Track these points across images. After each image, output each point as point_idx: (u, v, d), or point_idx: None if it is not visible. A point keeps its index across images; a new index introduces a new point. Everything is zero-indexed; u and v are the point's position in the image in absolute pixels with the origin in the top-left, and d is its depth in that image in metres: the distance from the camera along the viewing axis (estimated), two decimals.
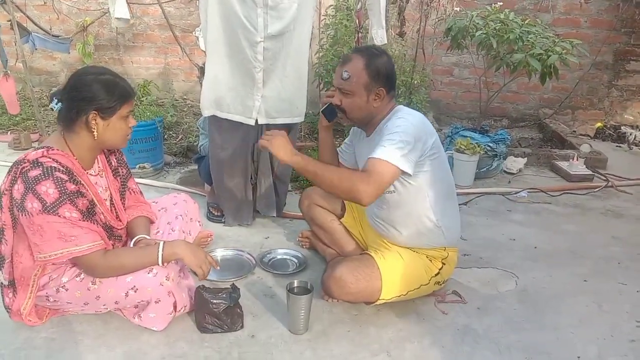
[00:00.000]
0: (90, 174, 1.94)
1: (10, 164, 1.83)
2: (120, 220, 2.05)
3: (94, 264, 1.82)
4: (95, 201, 1.91)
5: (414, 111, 2.12)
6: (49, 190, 1.72)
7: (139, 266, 1.90)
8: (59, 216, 1.73)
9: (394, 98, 2.15)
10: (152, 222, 2.24)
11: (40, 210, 1.71)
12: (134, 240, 2.07)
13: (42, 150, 1.79)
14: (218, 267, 2.15)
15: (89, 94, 1.80)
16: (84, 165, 1.90)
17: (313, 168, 1.97)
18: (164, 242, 1.96)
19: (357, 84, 2.04)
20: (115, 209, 2.04)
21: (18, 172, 1.76)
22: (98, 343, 1.92)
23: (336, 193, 2.00)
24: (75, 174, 1.81)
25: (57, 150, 1.81)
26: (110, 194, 2.03)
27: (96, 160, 1.99)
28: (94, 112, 1.80)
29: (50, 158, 1.77)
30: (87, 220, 1.81)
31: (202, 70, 3.16)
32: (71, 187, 1.77)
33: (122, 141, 1.94)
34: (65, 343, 1.91)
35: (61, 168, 1.77)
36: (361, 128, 2.24)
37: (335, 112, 2.18)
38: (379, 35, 3.11)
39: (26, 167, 1.75)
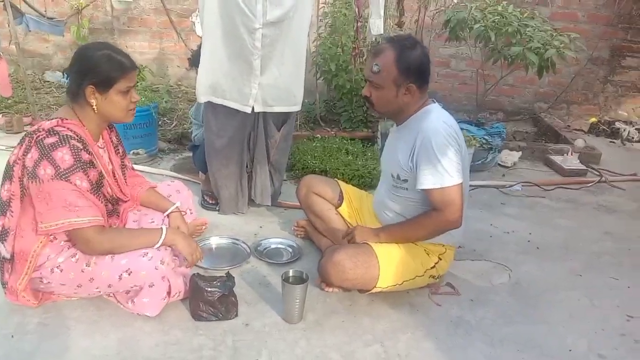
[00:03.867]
0: (98, 146, 1.98)
1: (3, 147, 1.82)
2: (124, 193, 2.09)
3: (89, 239, 1.84)
4: (104, 172, 1.95)
5: (446, 115, 2.08)
6: (64, 156, 1.76)
7: (134, 245, 1.91)
8: (70, 182, 1.77)
9: (426, 92, 2.10)
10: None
11: (52, 176, 1.74)
12: (169, 211, 2.20)
13: (56, 120, 1.84)
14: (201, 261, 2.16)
15: (85, 67, 1.84)
16: (93, 137, 1.94)
17: (399, 235, 2.11)
18: (167, 227, 2.00)
19: (387, 78, 1.99)
20: (118, 183, 2.07)
21: (33, 141, 1.80)
22: (92, 329, 1.91)
23: (435, 236, 2.08)
24: (88, 144, 1.87)
25: (71, 120, 1.86)
26: (114, 168, 2.07)
27: (101, 135, 2.02)
28: (91, 86, 1.83)
29: (65, 127, 1.82)
30: (94, 194, 1.85)
31: (191, 61, 3.14)
32: (85, 156, 1.82)
33: (124, 115, 1.95)
34: (58, 329, 1.91)
35: (76, 137, 1.82)
36: (390, 118, 2.22)
37: None
38: (375, 25, 3.09)
39: (41, 135, 1.79)
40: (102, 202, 1.91)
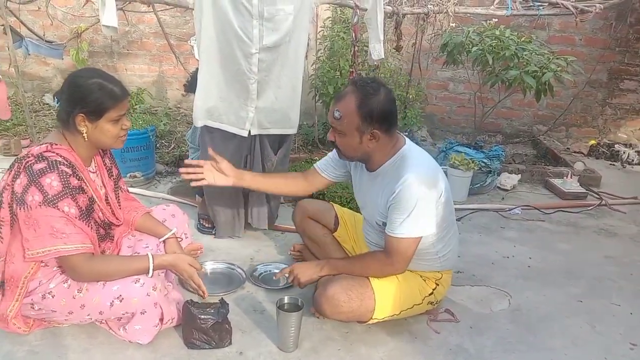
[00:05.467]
0: (90, 171, 1.96)
1: (0, 170, 1.81)
2: (116, 218, 2.06)
3: (77, 266, 1.81)
4: (95, 197, 1.93)
5: (422, 159, 2.02)
6: (53, 182, 1.75)
7: (123, 273, 1.89)
8: (58, 209, 1.74)
9: (395, 134, 2.03)
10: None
11: (40, 203, 1.73)
12: (164, 237, 2.16)
13: (45, 145, 1.82)
14: (205, 295, 2.09)
15: (76, 97, 1.82)
16: (84, 162, 1.92)
17: (343, 269, 2.07)
18: (153, 254, 1.97)
19: (349, 125, 1.93)
20: (111, 207, 2.05)
21: (22, 167, 1.78)
22: (83, 358, 1.88)
23: (375, 277, 2.04)
24: (77, 169, 1.85)
25: (60, 145, 1.85)
26: (106, 192, 2.04)
27: (93, 159, 2.00)
28: (81, 114, 1.82)
29: (54, 153, 1.81)
30: (83, 221, 1.82)
31: (186, 87, 3.14)
32: (74, 181, 1.80)
33: (113, 143, 1.93)
34: (49, 357, 1.87)
35: (65, 162, 1.81)
36: (362, 162, 2.13)
37: None
38: (376, 50, 3.10)
39: (30, 161, 1.78)
40: (92, 227, 1.89)
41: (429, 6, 3.95)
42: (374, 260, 2.05)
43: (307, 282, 2.07)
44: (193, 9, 2.59)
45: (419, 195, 1.89)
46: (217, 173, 2.22)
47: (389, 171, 2.02)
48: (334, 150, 2.19)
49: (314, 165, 2.37)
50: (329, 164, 2.31)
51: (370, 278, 2.03)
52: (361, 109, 1.90)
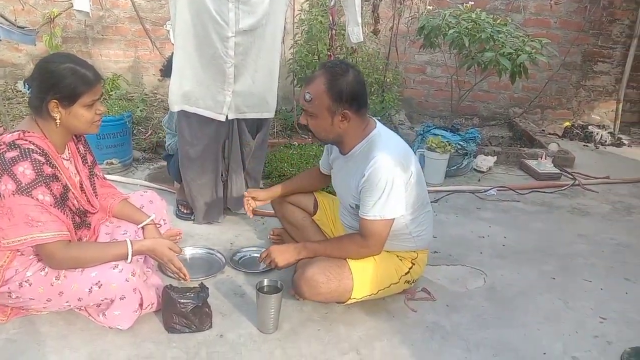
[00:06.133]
0: (63, 158, 1.93)
1: None
2: (92, 205, 2.04)
3: (54, 253, 1.80)
4: (69, 185, 1.91)
5: (392, 141, 2.06)
6: (25, 171, 1.72)
7: (101, 260, 1.88)
8: (32, 197, 1.73)
9: (365, 116, 2.07)
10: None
11: (13, 191, 1.70)
12: (143, 224, 2.17)
13: (17, 133, 1.79)
14: (187, 278, 2.11)
15: (48, 83, 1.79)
16: (57, 149, 1.90)
17: (320, 251, 2.08)
18: (132, 240, 1.97)
19: (319, 107, 1.96)
20: (86, 194, 2.03)
21: None
22: (62, 344, 1.87)
23: (352, 259, 2.07)
24: (51, 157, 1.82)
25: (33, 132, 1.81)
26: (81, 180, 2.02)
27: (66, 146, 1.97)
28: (54, 100, 1.79)
29: (26, 140, 1.78)
30: (58, 208, 1.81)
31: (163, 71, 3.11)
32: (47, 169, 1.78)
33: (88, 128, 1.91)
34: (27, 345, 1.86)
35: (38, 150, 1.78)
36: (335, 145, 2.18)
37: None
38: (354, 33, 3.09)
39: (2, 149, 1.75)
40: (67, 215, 1.87)
41: None
42: (350, 243, 2.07)
43: (285, 265, 2.08)
44: None
45: (388, 177, 1.93)
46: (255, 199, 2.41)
47: (359, 154, 2.05)
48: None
49: (319, 164, 2.45)
50: (325, 161, 2.38)
51: (348, 259, 2.06)
52: (331, 89, 1.94)
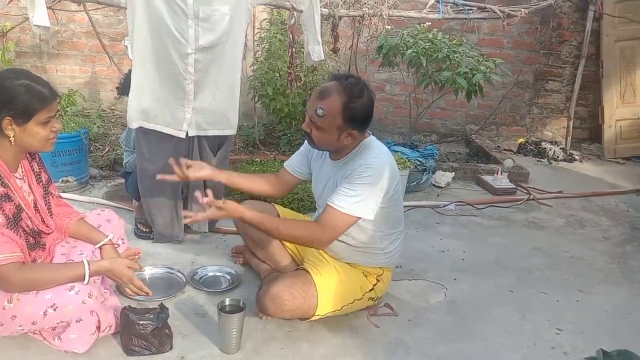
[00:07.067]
0: (16, 177, 1.87)
1: None
2: (46, 225, 1.97)
3: (9, 276, 1.73)
4: (22, 205, 1.84)
5: (383, 151, 2.10)
6: None
7: (57, 281, 1.82)
8: None
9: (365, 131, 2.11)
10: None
11: None
12: (101, 244, 2.09)
13: None
14: (150, 294, 2.07)
15: (2, 100, 1.73)
16: (10, 167, 1.83)
17: (270, 224, 2.00)
18: (89, 260, 1.91)
19: (330, 124, 1.97)
20: (40, 214, 1.96)
21: None
22: None
23: (295, 243, 2.05)
24: (3, 175, 1.77)
25: None
26: (35, 199, 1.95)
27: (20, 164, 1.91)
28: (7, 118, 1.74)
29: None
30: (11, 229, 1.75)
31: (119, 89, 3.07)
32: (0, 189, 1.71)
33: (43, 145, 1.86)
34: None
35: None
36: (327, 151, 2.19)
37: None
38: (315, 52, 3.12)
39: None
40: (21, 236, 1.81)
41: (364, 9, 4.04)
42: (304, 226, 2.06)
43: (234, 217, 2.04)
44: (126, 8, 2.53)
45: (371, 179, 1.96)
46: (194, 169, 2.21)
47: (351, 159, 2.08)
48: (302, 147, 2.31)
49: (284, 164, 2.42)
50: (297, 162, 2.36)
51: (313, 275, 2.06)
52: (346, 111, 1.95)
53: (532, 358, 2.09)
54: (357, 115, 1.98)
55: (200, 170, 2.22)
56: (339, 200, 1.96)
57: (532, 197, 3.99)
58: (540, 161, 5.19)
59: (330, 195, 2.03)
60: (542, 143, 5.48)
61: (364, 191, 1.96)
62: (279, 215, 2.43)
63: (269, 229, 2.00)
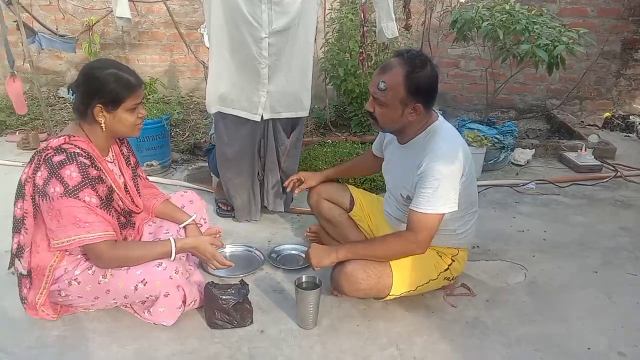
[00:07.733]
0: (107, 161, 2.00)
1: (20, 164, 1.85)
2: (136, 205, 2.10)
3: (101, 253, 1.86)
4: (114, 187, 1.97)
5: (452, 135, 2.04)
6: (72, 174, 1.79)
7: (146, 258, 1.94)
8: (79, 199, 1.79)
9: (432, 109, 2.04)
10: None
11: (61, 194, 1.77)
12: (185, 223, 2.22)
13: (63, 137, 1.86)
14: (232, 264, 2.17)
15: (93, 88, 1.85)
16: (102, 152, 1.97)
17: (363, 251, 2.03)
18: (175, 238, 2.03)
19: (393, 97, 1.93)
20: (130, 195, 2.09)
21: (42, 159, 1.83)
22: (109, 340, 1.94)
23: (395, 259, 2.03)
24: (96, 159, 1.89)
25: (78, 137, 1.88)
26: (125, 181, 2.08)
27: (110, 149, 2.04)
28: (99, 105, 1.85)
29: (72, 144, 1.85)
30: (104, 209, 1.87)
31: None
32: (93, 172, 1.85)
33: (131, 131, 1.98)
34: (77, 341, 1.93)
35: (83, 154, 1.85)
36: (393, 134, 2.15)
37: None
38: (389, 28, 3.07)
39: (49, 153, 1.82)
40: (113, 216, 1.94)
41: None
42: (396, 239, 2.02)
43: (318, 267, 2.05)
44: None
45: (445, 172, 1.91)
46: (308, 182, 2.50)
47: (419, 144, 2.03)
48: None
49: (372, 147, 2.47)
50: (379, 143, 2.39)
51: None
52: (408, 82, 1.90)
53: (619, 342, 2.00)
54: (421, 86, 1.92)
55: (312, 180, 2.50)
56: (421, 203, 1.93)
57: (619, 174, 3.77)
58: (629, 136, 4.89)
59: (399, 184, 2.07)
60: (631, 117, 5.14)
61: (443, 187, 1.90)
62: (352, 196, 2.46)
63: (361, 255, 2.02)
